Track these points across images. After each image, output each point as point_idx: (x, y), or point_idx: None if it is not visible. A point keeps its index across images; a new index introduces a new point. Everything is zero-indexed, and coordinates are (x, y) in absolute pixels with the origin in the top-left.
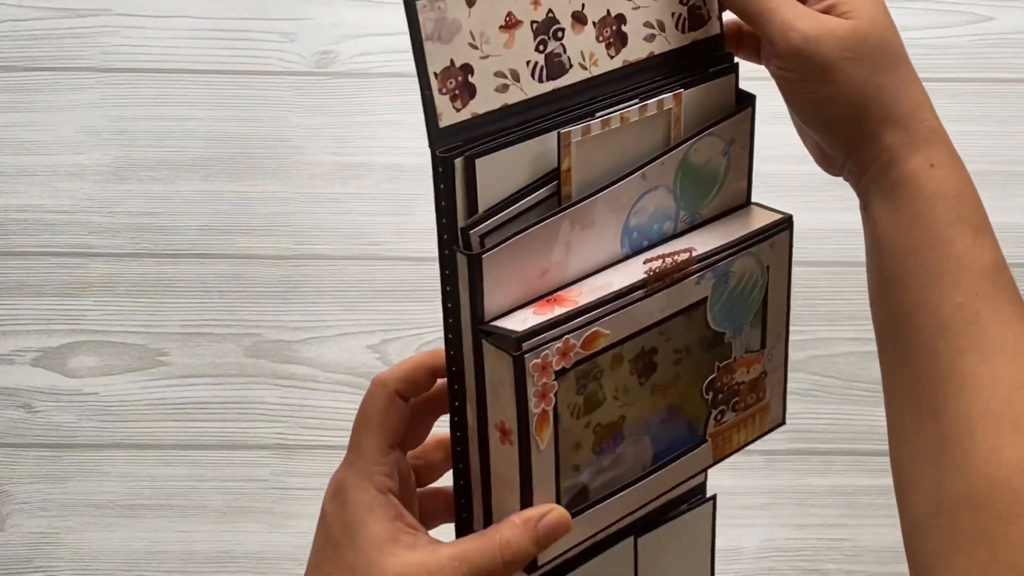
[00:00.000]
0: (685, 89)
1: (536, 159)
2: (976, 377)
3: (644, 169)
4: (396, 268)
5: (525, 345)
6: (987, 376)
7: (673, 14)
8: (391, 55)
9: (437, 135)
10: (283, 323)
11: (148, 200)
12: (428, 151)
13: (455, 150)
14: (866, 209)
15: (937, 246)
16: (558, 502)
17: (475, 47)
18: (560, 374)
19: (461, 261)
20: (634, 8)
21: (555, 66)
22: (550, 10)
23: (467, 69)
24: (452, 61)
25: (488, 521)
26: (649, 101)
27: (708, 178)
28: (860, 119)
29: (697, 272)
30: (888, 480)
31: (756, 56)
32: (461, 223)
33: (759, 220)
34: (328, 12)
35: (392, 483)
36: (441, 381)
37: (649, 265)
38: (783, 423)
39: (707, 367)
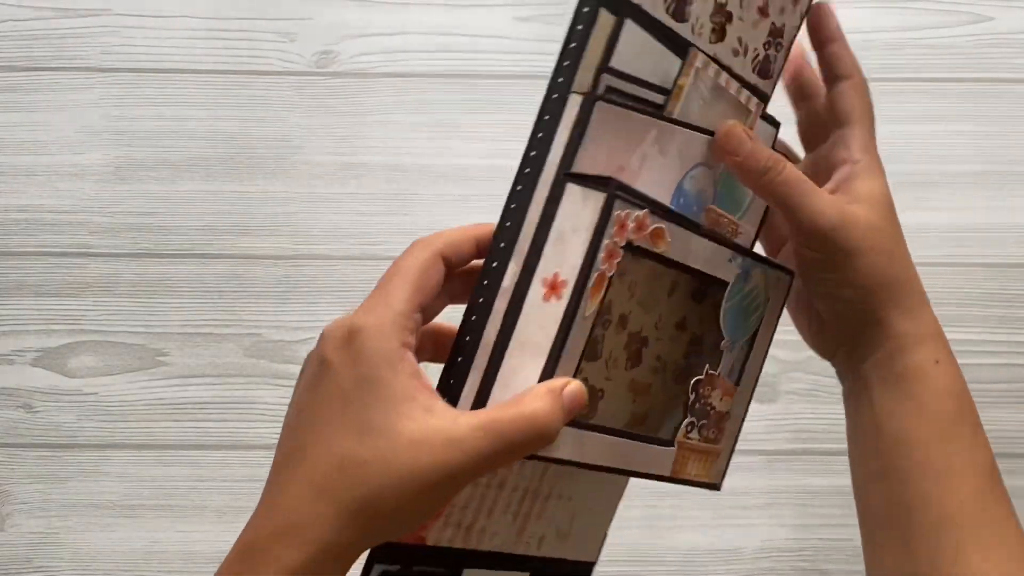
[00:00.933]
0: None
1: (662, 63)
2: (980, 574)
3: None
4: None
5: (618, 191)
6: (992, 573)
7: (755, 50)
8: (391, 55)
9: None
10: (283, 323)
11: (148, 200)
12: (427, 151)
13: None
14: (860, 395)
15: (943, 442)
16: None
17: None
18: (626, 248)
19: (573, 101)
20: (752, 25)
21: (679, 11)
22: None
23: None
24: None
25: (482, 395)
26: (744, 91)
27: (739, 197)
28: (874, 304)
29: (733, 250)
30: None
31: (775, 249)
32: (588, 69)
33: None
34: (328, 12)
35: (413, 341)
36: (473, 263)
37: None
38: (718, 487)
39: (693, 372)
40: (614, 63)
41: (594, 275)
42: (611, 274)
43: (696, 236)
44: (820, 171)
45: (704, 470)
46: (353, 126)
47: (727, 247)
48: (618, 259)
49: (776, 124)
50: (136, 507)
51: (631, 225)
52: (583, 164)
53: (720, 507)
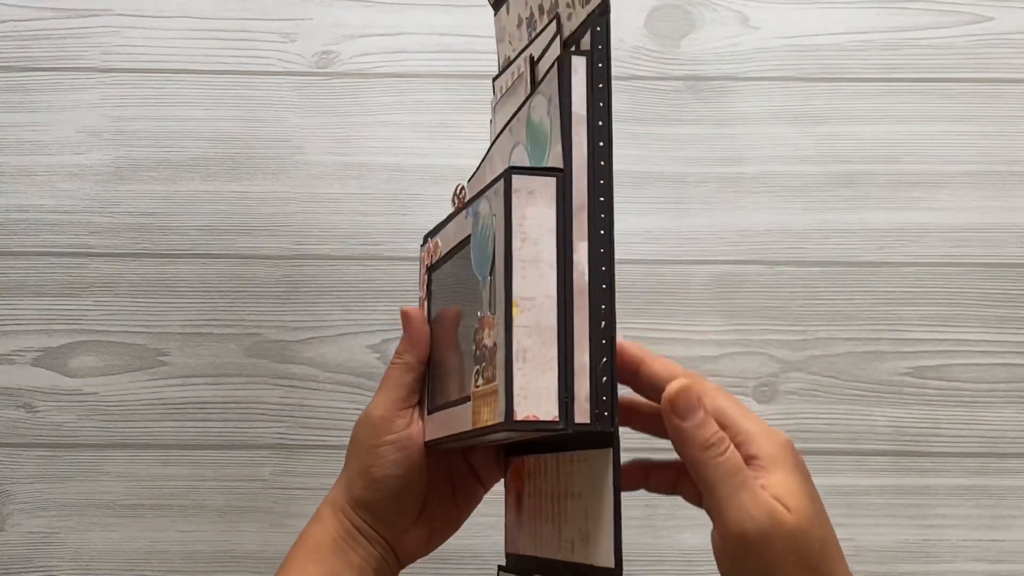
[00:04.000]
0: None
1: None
2: None
3: (509, 125)
4: (396, 268)
5: (428, 235)
6: None
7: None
8: (391, 55)
9: None
10: (283, 323)
11: (148, 200)
12: (427, 151)
13: None
14: None
15: None
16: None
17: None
18: (430, 269)
19: None
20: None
21: None
22: None
23: None
24: None
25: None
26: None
27: (542, 137)
28: None
29: (466, 207)
30: (888, 480)
31: (670, 489)
32: None
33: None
34: (328, 12)
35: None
36: None
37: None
38: (506, 425)
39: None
40: None
41: (420, 300)
42: (423, 296)
43: (450, 223)
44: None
45: (491, 413)
46: (353, 126)
47: (463, 209)
48: (427, 283)
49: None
50: (136, 507)
51: (425, 256)
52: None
53: None
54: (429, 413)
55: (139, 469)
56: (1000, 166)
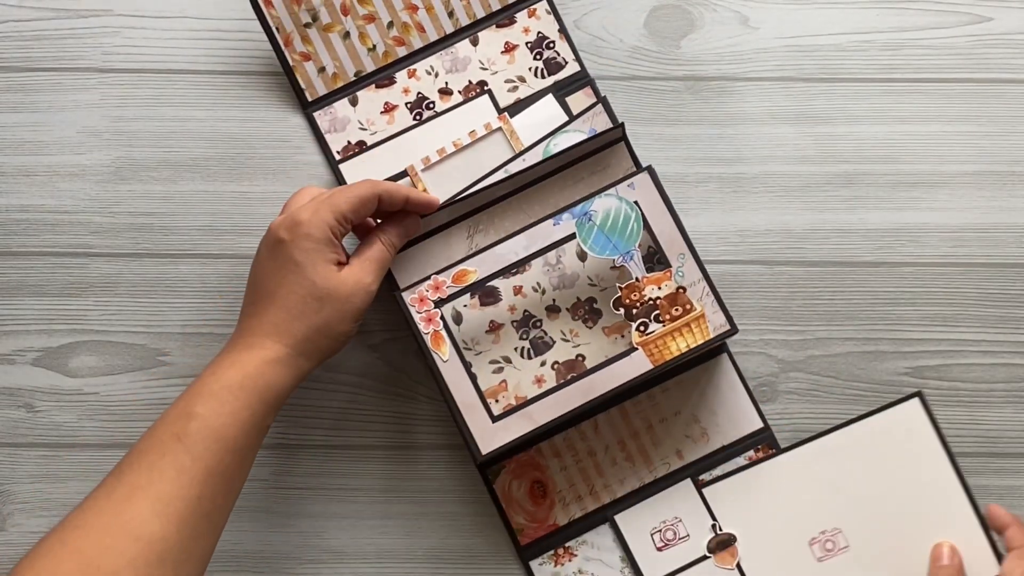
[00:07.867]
0: (511, 115)
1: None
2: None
3: (507, 166)
4: None
5: (403, 288)
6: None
7: (530, 68)
8: None
9: None
10: None
11: (149, 200)
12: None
13: None
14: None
15: None
16: (489, 410)
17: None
18: (439, 303)
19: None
20: (492, 74)
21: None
22: (419, 92)
23: (361, 144)
24: (348, 141)
25: (459, 416)
26: (478, 126)
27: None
28: None
29: (552, 217)
30: None
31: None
32: None
33: (618, 173)
34: None
35: (339, 231)
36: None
37: None
38: (734, 330)
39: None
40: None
41: (428, 337)
42: (441, 328)
43: (499, 245)
44: None
45: (701, 334)
46: None
47: (543, 222)
48: (438, 316)
49: (548, 91)
50: None
51: (427, 293)
52: (407, 278)
53: None
54: (507, 415)
55: None
56: (1000, 166)
